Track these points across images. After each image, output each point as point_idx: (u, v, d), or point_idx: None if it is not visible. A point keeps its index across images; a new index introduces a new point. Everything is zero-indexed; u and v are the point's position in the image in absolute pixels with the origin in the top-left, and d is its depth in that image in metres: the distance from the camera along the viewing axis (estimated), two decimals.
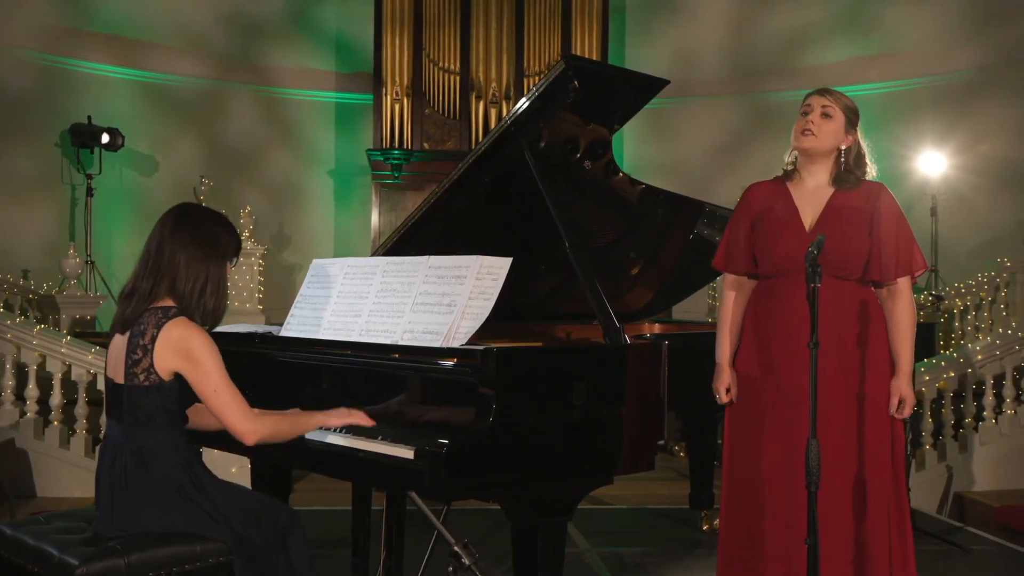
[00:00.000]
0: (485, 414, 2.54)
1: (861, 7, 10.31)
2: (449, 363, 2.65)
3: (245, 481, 3.57)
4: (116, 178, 9.63)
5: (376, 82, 10.12)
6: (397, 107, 10.07)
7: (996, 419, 6.32)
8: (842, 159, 2.94)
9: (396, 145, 10.05)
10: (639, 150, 11.15)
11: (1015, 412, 6.34)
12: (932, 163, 9.61)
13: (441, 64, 10.18)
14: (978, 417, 6.37)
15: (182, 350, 2.57)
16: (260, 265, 9.37)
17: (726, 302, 3.08)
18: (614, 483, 2.88)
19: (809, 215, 2.94)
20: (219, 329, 3.55)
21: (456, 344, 2.72)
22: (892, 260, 2.88)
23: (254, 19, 10.63)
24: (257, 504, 2.71)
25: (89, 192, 9.00)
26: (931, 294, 5.29)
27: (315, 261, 3.45)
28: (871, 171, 2.97)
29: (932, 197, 9.65)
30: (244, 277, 9.39)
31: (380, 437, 2.66)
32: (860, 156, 2.96)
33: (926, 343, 7.60)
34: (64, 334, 6.33)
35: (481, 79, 10.20)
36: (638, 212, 4.11)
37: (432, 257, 3.00)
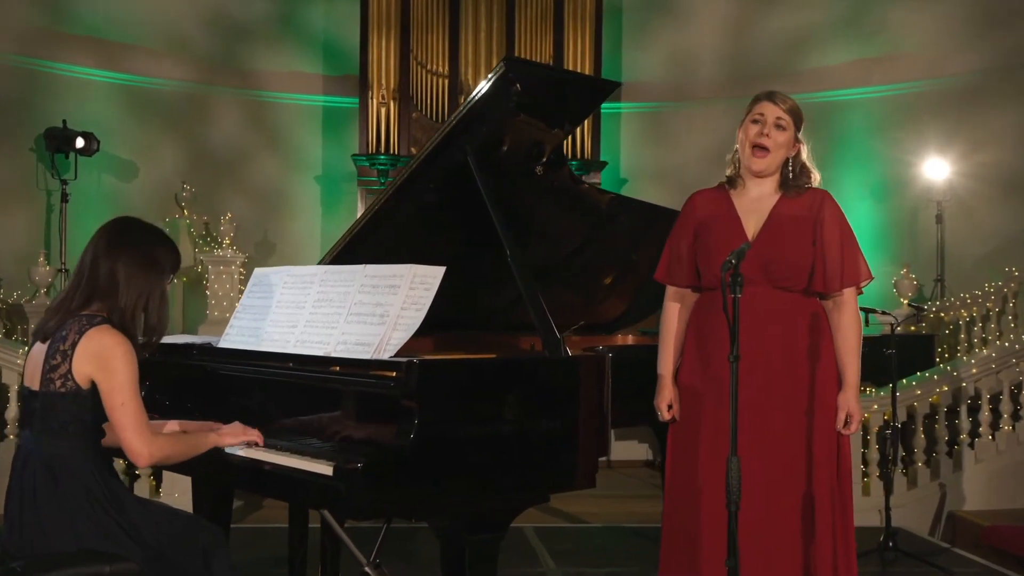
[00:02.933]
0: (407, 429, 2.53)
1: (863, 9, 10.28)
2: (373, 376, 2.65)
3: None
4: (94, 184, 9.64)
5: (362, 85, 10.13)
6: (384, 111, 10.08)
7: (993, 436, 6.26)
8: (789, 167, 2.93)
9: (383, 150, 10.05)
10: (635, 156, 11.14)
11: (1012, 428, 6.28)
12: (936, 169, 9.56)
13: (429, 67, 10.19)
14: (973, 433, 6.31)
15: (101, 357, 2.57)
16: (240, 273, 9.38)
17: (668, 314, 3.06)
18: (550, 500, 2.85)
19: (752, 224, 2.92)
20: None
21: (386, 356, 2.71)
22: (837, 270, 2.86)
23: (239, 21, 10.64)
24: (178, 523, 2.69)
25: (64, 198, 9.01)
26: (910, 304, 5.24)
27: (256, 270, 3.46)
28: (815, 178, 2.96)
29: (937, 204, 9.60)
30: (224, 286, 9.40)
31: (304, 452, 2.66)
32: (804, 166, 2.95)
33: (925, 356, 7.58)
34: (20, 344, 6.33)
35: (470, 82, 10.20)
36: (603, 219, 4.09)
37: (368, 266, 3.00)
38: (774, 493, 2.78)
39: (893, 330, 4.79)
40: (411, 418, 2.53)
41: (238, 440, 2.77)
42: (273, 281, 3.30)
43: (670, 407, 3.01)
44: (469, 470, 2.62)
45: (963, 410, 6.26)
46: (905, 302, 8.47)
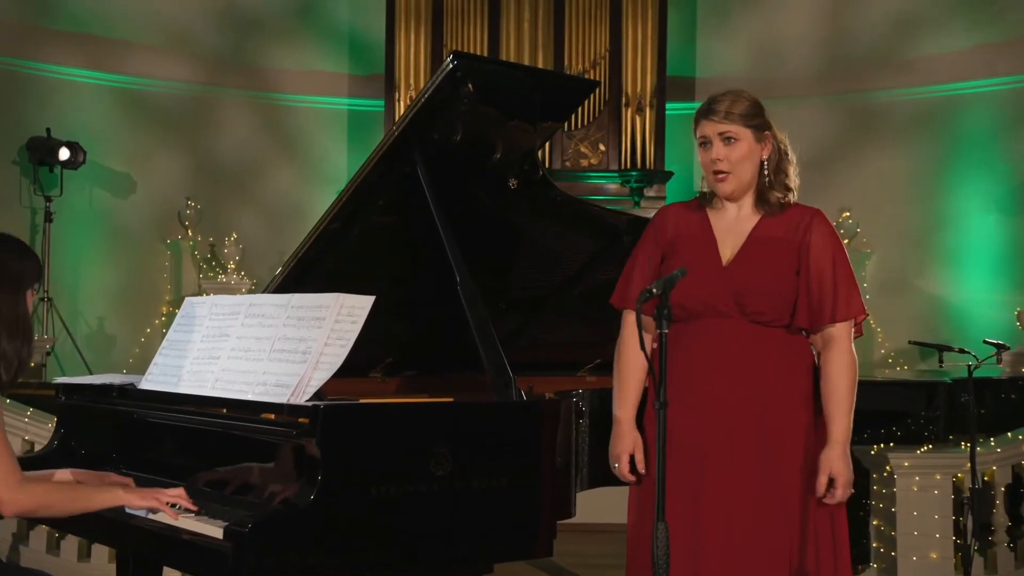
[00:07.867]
0: (310, 484, 2.56)
1: None
2: (278, 423, 2.70)
3: None
4: (84, 200, 9.92)
5: (388, 85, 10.26)
6: None
7: None
8: (765, 171, 2.90)
9: None
10: None
11: None
12: None
13: None
14: None
15: None
16: None
17: (627, 344, 3.02)
18: (494, 571, 2.85)
19: (728, 248, 2.90)
20: (78, 380, 3.69)
21: (304, 399, 2.75)
22: (827, 301, 2.81)
23: (251, 13, 10.85)
24: None
25: (48, 217, 9.30)
26: (986, 341, 5.11)
27: (187, 300, 3.55)
28: (793, 178, 2.92)
29: None
30: None
31: (200, 512, 2.70)
32: (782, 158, 2.91)
33: None
34: None
35: None
36: (608, 239, 4.09)
37: (295, 296, 3.06)
38: (743, 565, 2.73)
39: (971, 372, 4.67)
40: (315, 473, 2.56)
41: (145, 504, 2.75)
42: (199, 313, 3.38)
43: (633, 466, 2.95)
44: (387, 536, 2.64)
45: None
46: None
